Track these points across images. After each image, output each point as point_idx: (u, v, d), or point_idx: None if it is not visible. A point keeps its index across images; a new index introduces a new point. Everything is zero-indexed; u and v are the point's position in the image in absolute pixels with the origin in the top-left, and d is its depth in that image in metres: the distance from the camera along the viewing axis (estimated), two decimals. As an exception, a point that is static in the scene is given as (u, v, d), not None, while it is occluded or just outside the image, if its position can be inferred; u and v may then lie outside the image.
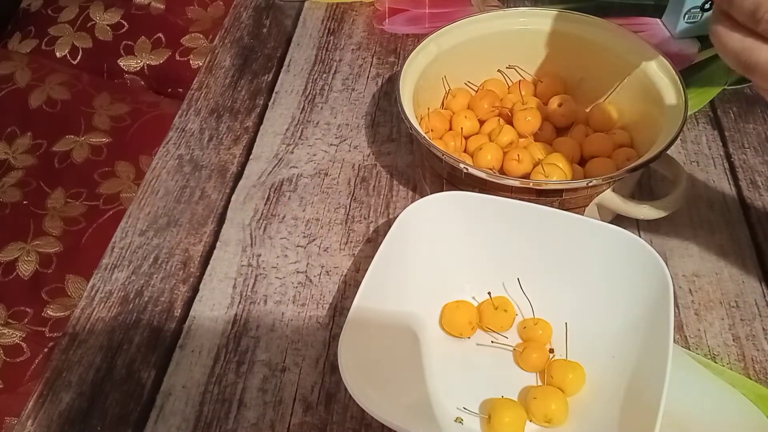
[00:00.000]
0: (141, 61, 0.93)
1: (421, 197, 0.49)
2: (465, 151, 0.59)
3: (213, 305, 0.53)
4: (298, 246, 0.57)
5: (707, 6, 0.70)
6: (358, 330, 0.43)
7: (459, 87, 0.62)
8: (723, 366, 0.48)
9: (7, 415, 0.63)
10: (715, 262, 0.54)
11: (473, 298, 0.51)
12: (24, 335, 0.68)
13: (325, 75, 0.72)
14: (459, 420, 0.44)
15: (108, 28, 0.94)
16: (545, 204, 0.48)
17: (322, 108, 0.69)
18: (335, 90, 0.71)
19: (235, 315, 0.52)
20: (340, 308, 0.52)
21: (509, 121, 0.59)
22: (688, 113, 0.52)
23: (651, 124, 0.54)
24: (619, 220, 0.53)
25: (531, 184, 0.49)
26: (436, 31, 0.59)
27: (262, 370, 0.49)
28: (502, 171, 0.56)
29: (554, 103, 0.60)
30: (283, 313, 0.52)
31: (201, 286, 0.54)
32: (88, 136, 0.83)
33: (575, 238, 0.47)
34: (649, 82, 0.55)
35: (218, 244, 0.57)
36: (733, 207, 0.58)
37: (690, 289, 0.53)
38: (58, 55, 0.94)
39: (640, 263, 0.45)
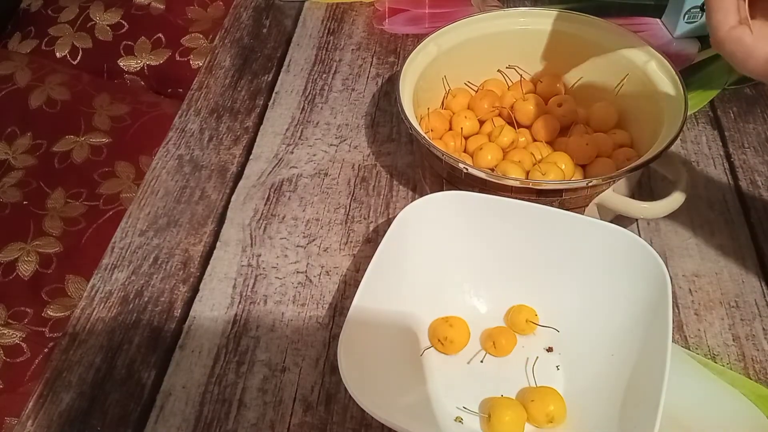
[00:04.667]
0: (141, 61, 0.93)
1: (421, 197, 0.49)
2: (465, 151, 0.59)
3: (213, 305, 0.53)
4: (298, 246, 0.57)
5: (707, 6, 0.70)
6: (357, 330, 0.43)
7: (459, 87, 0.62)
8: (723, 366, 0.48)
9: (7, 415, 0.63)
10: (715, 262, 0.54)
11: (472, 302, 0.51)
12: (24, 335, 0.68)
13: (325, 75, 0.72)
14: (459, 420, 0.44)
15: (108, 28, 0.94)
16: (545, 204, 0.48)
17: (322, 108, 0.69)
18: (335, 90, 0.71)
19: (235, 315, 0.52)
20: (340, 308, 0.52)
21: (509, 121, 0.59)
22: (688, 113, 0.52)
23: (651, 125, 0.54)
24: (619, 220, 0.53)
25: (531, 184, 0.49)
26: (436, 31, 0.59)
27: (262, 370, 0.49)
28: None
29: (554, 103, 0.60)
30: (283, 313, 0.52)
31: (201, 286, 0.54)
32: (88, 136, 0.83)
33: (575, 238, 0.47)
34: (649, 83, 0.55)
35: (218, 244, 0.57)
36: (733, 207, 0.58)
37: (690, 289, 0.53)
38: (58, 55, 0.93)
39: (640, 263, 0.45)
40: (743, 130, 0.65)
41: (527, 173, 0.54)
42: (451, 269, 0.50)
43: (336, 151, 0.64)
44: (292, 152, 0.65)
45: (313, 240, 0.57)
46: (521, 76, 0.63)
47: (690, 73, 0.69)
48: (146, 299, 0.54)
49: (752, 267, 0.54)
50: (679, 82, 0.53)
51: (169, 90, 0.93)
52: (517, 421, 0.43)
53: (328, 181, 0.62)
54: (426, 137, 0.51)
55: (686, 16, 0.71)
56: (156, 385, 0.49)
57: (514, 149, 0.56)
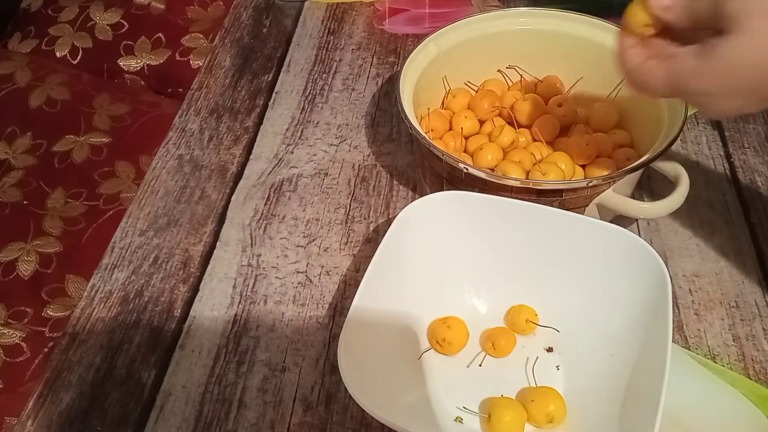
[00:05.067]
0: (141, 61, 0.93)
1: (421, 197, 0.49)
2: (465, 151, 0.59)
3: (213, 305, 0.53)
4: (298, 246, 0.57)
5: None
6: (357, 330, 0.43)
7: (459, 87, 0.62)
8: (723, 366, 0.48)
9: (7, 415, 0.63)
10: (715, 262, 0.54)
11: (472, 303, 0.51)
12: (24, 335, 0.68)
13: (325, 75, 0.72)
14: (459, 420, 0.44)
15: (108, 28, 0.94)
16: (545, 204, 0.48)
17: (322, 108, 0.69)
18: (335, 90, 0.71)
19: (235, 315, 0.52)
20: (340, 308, 0.52)
21: (509, 121, 0.59)
22: (688, 113, 0.52)
23: (651, 124, 0.54)
24: (619, 220, 0.53)
25: (531, 184, 0.49)
26: (436, 31, 0.59)
27: (262, 370, 0.49)
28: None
29: (554, 103, 0.60)
30: (283, 313, 0.52)
31: (201, 286, 0.54)
32: (88, 136, 0.83)
33: (575, 238, 0.47)
34: (649, 82, 0.55)
35: (218, 244, 0.57)
36: (733, 207, 0.58)
37: (690, 289, 0.53)
38: (58, 55, 0.93)
39: (640, 263, 0.45)
40: (743, 130, 0.65)
41: (527, 173, 0.54)
42: (451, 269, 0.50)
43: (336, 151, 0.64)
44: (292, 152, 0.65)
45: (313, 240, 0.57)
46: (521, 76, 0.63)
47: (690, 73, 0.69)
48: (146, 299, 0.54)
49: (752, 267, 0.54)
50: (679, 82, 0.53)
51: (169, 90, 0.93)
52: (517, 421, 0.43)
53: (328, 181, 0.62)
54: (426, 137, 0.51)
55: (686, 16, 0.71)
56: (156, 385, 0.49)
57: (514, 149, 0.56)
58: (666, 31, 0.40)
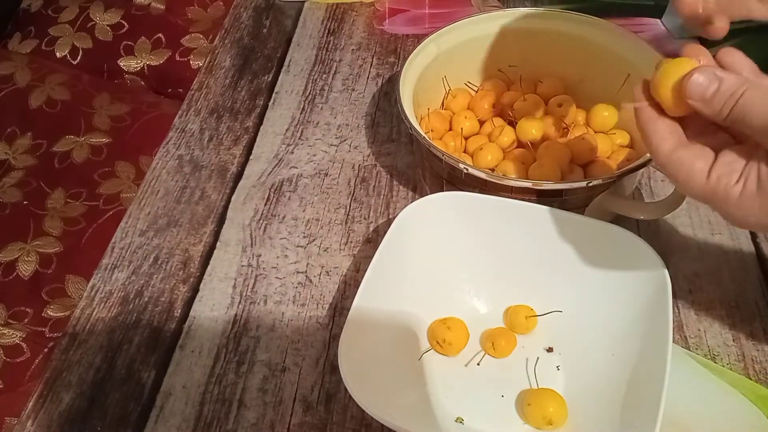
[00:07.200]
0: (141, 61, 0.93)
1: (421, 197, 0.49)
2: (465, 151, 0.59)
3: (213, 305, 0.53)
4: (298, 246, 0.57)
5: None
6: (358, 330, 0.43)
7: (459, 87, 0.62)
8: (723, 366, 0.48)
9: (7, 415, 0.63)
10: (715, 262, 0.54)
11: (472, 303, 0.51)
12: (24, 335, 0.68)
13: (325, 75, 0.72)
14: (459, 420, 0.44)
15: (108, 28, 0.94)
16: (545, 204, 0.48)
17: (322, 108, 0.69)
18: (335, 90, 0.71)
19: (235, 315, 0.52)
20: (340, 308, 0.52)
21: (509, 121, 0.59)
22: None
23: (651, 124, 0.54)
24: (619, 220, 0.53)
25: (531, 184, 0.49)
26: (436, 31, 0.59)
27: (262, 370, 0.49)
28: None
29: (554, 103, 0.60)
30: (283, 313, 0.52)
31: (201, 286, 0.54)
32: (88, 136, 0.83)
33: (575, 238, 0.48)
34: (649, 83, 0.55)
35: (218, 244, 0.57)
36: (733, 207, 0.58)
37: (690, 289, 0.53)
38: (58, 55, 0.93)
39: (640, 262, 0.45)
40: (743, 130, 0.64)
41: (527, 172, 0.54)
42: (451, 270, 0.50)
43: (336, 152, 0.64)
44: (292, 152, 0.65)
45: (313, 240, 0.57)
46: (521, 76, 0.63)
47: (690, 74, 0.69)
48: (146, 299, 0.54)
49: (752, 267, 0.54)
50: (679, 82, 0.53)
51: (169, 90, 0.93)
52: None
53: (328, 181, 0.62)
54: (426, 137, 0.51)
55: (686, 16, 0.71)
56: (156, 385, 0.49)
57: (514, 149, 0.56)
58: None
